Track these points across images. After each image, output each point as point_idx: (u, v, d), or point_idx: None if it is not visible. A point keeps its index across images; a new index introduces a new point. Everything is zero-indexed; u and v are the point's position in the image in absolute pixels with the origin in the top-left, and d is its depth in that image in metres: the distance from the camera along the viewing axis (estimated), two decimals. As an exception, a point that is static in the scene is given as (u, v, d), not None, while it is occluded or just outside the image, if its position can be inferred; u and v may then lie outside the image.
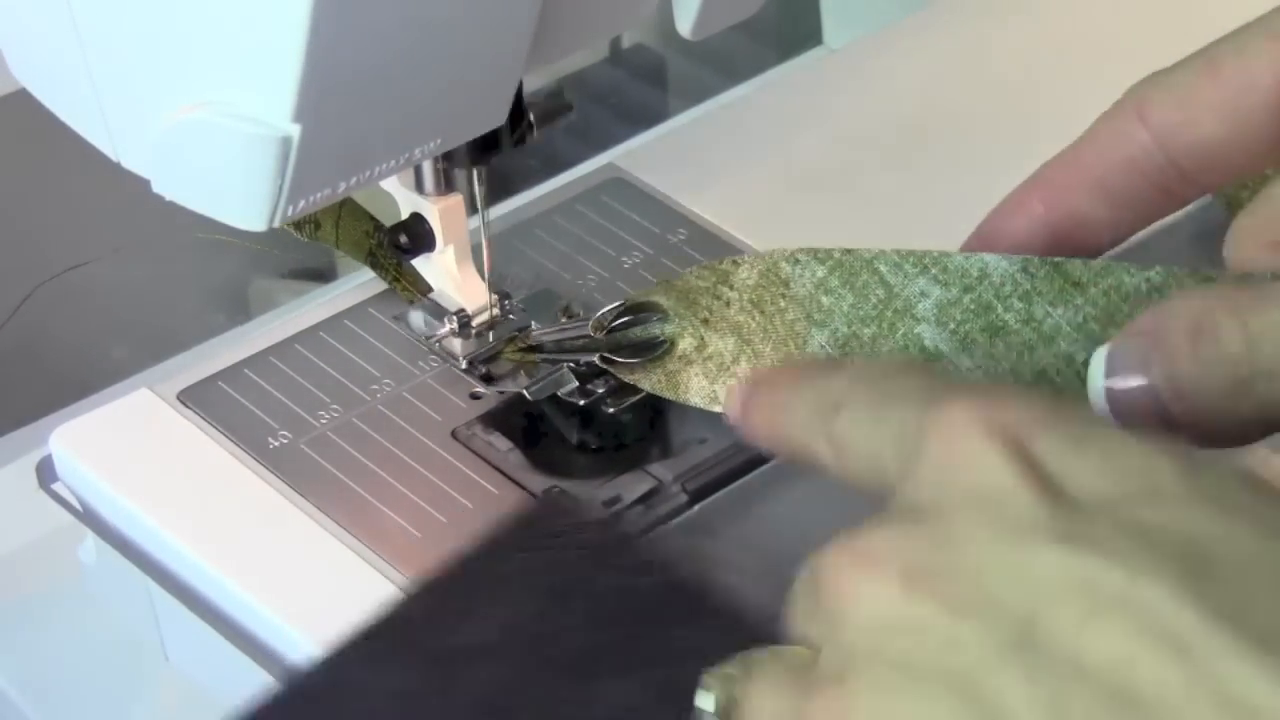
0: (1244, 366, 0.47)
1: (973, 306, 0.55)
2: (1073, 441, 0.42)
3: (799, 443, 0.48)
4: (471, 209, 0.63)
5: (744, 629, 0.49)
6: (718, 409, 0.60)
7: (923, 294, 0.55)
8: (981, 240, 0.55)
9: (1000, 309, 0.55)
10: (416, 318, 0.64)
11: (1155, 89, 0.52)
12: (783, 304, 0.58)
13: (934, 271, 0.55)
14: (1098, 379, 0.49)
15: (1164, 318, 0.48)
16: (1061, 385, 0.54)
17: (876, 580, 0.41)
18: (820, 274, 0.56)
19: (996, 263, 0.55)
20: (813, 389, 0.48)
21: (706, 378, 0.60)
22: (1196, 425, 0.48)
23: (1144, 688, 0.37)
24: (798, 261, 0.57)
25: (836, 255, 0.56)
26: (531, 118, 0.61)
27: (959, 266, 0.55)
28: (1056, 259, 0.55)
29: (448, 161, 0.61)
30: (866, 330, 0.56)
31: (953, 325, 0.55)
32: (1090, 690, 0.38)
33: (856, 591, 0.41)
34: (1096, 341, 0.54)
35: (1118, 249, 0.55)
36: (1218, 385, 0.47)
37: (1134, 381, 0.48)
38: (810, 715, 0.41)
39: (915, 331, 0.55)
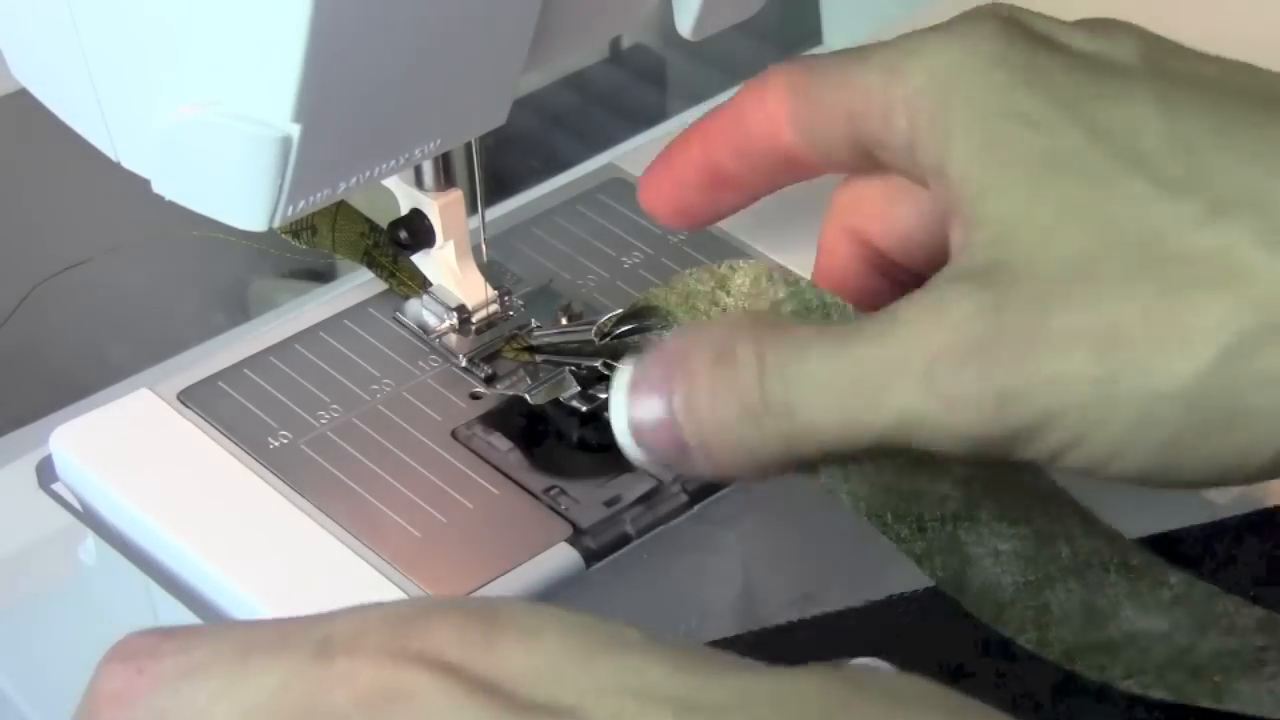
0: (754, 395, 0.47)
1: None
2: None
3: None
4: (472, 207, 0.64)
5: None
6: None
7: None
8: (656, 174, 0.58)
9: None
10: (415, 308, 0.64)
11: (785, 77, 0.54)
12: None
13: None
14: (620, 403, 0.50)
15: (690, 340, 0.49)
16: (922, 524, 0.53)
17: None
18: (780, 295, 0.56)
19: None
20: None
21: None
22: (710, 454, 0.48)
23: None
24: (771, 279, 0.57)
25: (802, 285, 0.56)
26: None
27: None
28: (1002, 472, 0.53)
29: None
30: None
31: None
32: None
33: None
34: (972, 505, 0.53)
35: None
36: (730, 413, 0.48)
37: (655, 405, 0.49)
38: None
39: None
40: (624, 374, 0.50)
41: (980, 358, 0.46)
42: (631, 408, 0.49)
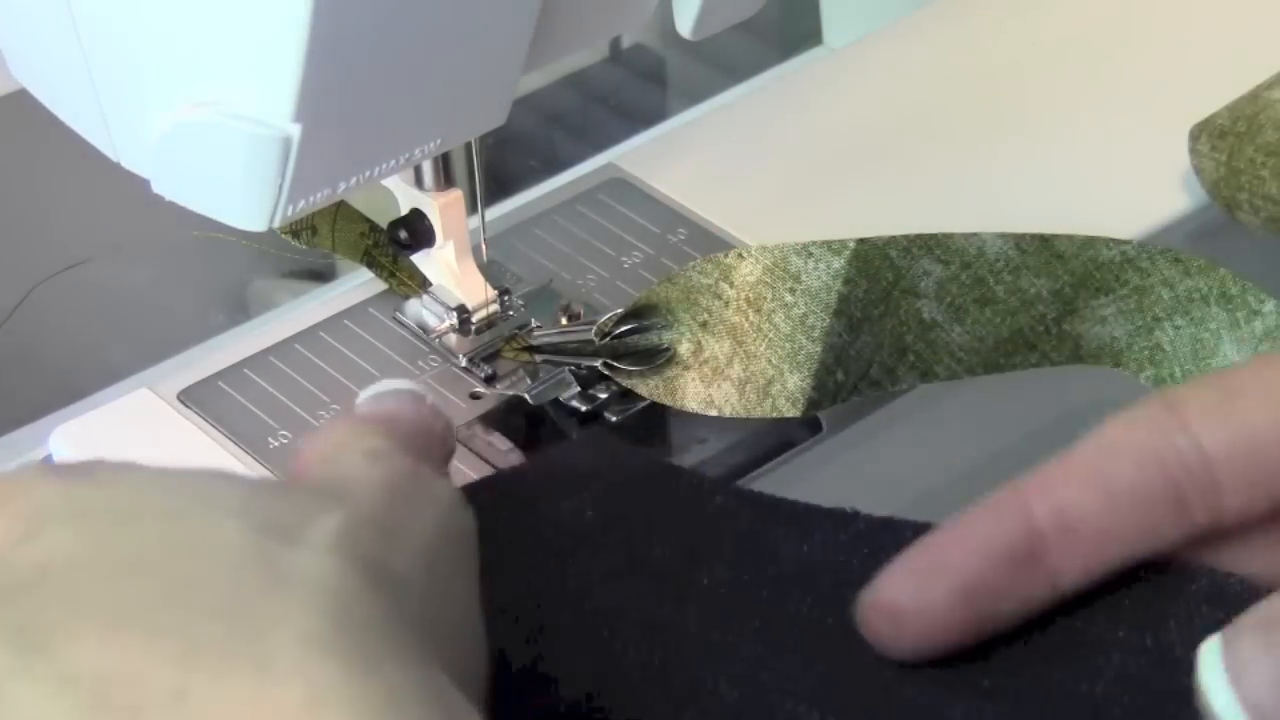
0: None
1: (968, 281, 0.60)
2: None
3: None
4: (472, 207, 0.64)
5: None
6: (713, 413, 0.60)
7: (925, 273, 0.60)
8: (934, 550, 0.42)
9: (992, 282, 0.60)
10: (415, 308, 0.64)
11: (1187, 386, 0.44)
12: (789, 299, 0.59)
13: (937, 252, 0.60)
14: (1219, 684, 0.41)
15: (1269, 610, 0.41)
16: (1033, 339, 0.60)
17: None
18: (837, 265, 0.60)
19: (993, 241, 0.60)
20: None
21: (702, 382, 0.60)
22: None
23: None
24: (810, 255, 0.59)
25: (851, 245, 0.60)
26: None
27: (959, 246, 0.60)
28: (1047, 234, 0.60)
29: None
30: (876, 310, 0.60)
31: (949, 299, 0.60)
32: None
33: None
34: (1066, 302, 0.59)
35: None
36: None
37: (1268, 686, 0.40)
38: None
39: (915, 306, 0.60)
40: (1212, 650, 0.41)
41: None
42: (1240, 689, 0.40)
